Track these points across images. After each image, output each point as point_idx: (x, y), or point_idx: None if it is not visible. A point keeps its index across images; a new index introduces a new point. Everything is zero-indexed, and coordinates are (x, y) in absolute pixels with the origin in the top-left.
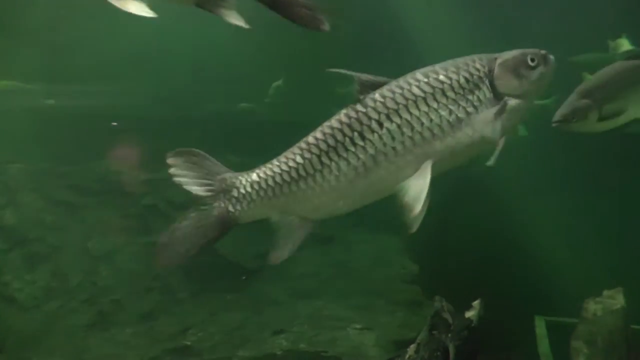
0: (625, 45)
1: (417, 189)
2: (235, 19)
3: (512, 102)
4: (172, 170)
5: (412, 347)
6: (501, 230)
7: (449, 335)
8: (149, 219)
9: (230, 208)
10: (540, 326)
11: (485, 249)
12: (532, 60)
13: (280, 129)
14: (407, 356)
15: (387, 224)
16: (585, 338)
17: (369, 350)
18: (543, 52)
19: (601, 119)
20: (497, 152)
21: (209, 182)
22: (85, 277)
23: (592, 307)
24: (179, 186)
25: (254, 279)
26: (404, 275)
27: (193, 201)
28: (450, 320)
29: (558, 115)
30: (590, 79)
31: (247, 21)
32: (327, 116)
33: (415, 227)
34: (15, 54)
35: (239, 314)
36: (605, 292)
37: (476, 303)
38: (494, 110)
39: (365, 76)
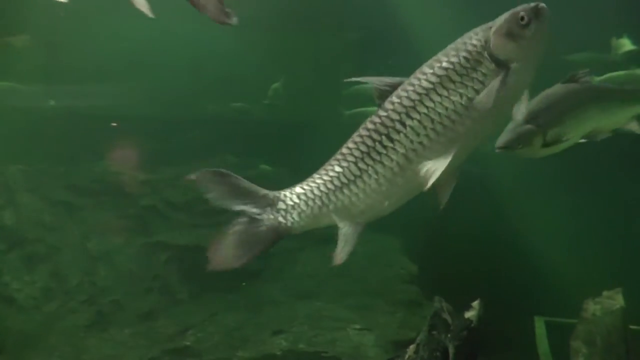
0: (627, 45)
1: (436, 165)
2: (140, 5)
3: (514, 66)
4: (208, 195)
5: (412, 347)
6: (500, 231)
7: (449, 335)
8: (148, 219)
9: (281, 219)
10: (539, 326)
11: (484, 249)
12: (522, 18)
13: (276, 129)
14: (406, 356)
15: (385, 224)
16: (584, 338)
17: (369, 351)
18: (533, 5)
19: (545, 144)
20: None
21: (251, 199)
22: (84, 277)
23: (592, 307)
24: (185, 189)
25: (253, 280)
26: (403, 275)
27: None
28: (449, 320)
29: (502, 141)
30: (533, 103)
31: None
32: (328, 116)
33: (442, 203)
34: (14, 53)
35: (238, 314)
36: (605, 293)
37: (476, 303)
38: (497, 80)
39: (380, 81)
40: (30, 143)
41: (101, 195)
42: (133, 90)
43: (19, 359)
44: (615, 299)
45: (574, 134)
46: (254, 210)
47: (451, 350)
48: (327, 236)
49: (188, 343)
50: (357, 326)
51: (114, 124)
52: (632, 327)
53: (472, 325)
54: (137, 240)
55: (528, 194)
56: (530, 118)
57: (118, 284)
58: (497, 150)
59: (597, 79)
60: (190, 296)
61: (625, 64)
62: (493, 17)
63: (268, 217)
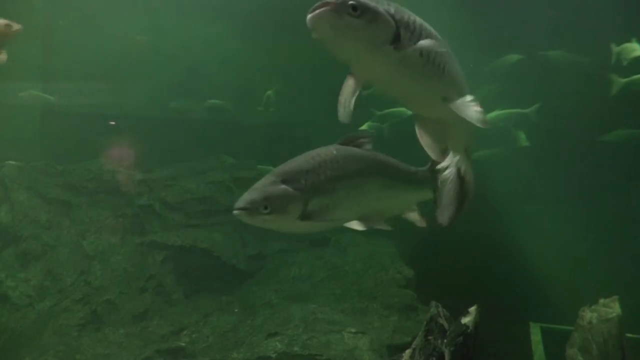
0: (636, 50)
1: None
2: None
3: None
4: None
5: (408, 351)
6: (497, 237)
7: (445, 340)
8: (144, 219)
9: None
10: (535, 332)
11: (480, 255)
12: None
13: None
14: None
15: (380, 228)
16: (580, 345)
17: (363, 355)
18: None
19: (305, 216)
20: None
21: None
22: (79, 276)
23: (588, 315)
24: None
25: (248, 282)
26: (398, 279)
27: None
28: (446, 326)
29: (243, 201)
30: (296, 161)
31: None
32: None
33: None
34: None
35: (233, 316)
36: (601, 301)
37: (472, 309)
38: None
39: None
40: (26, 140)
41: (97, 194)
42: (131, 89)
43: (12, 357)
44: (611, 307)
45: (343, 211)
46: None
47: (447, 356)
48: (321, 239)
49: (182, 344)
50: (352, 329)
51: (112, 122)
52: (628, 335)
53: (469, 331)
54: (132, 239)
55: (525, 200)
56: (288, 177)
57: (113, 283)
58: (234, 212)
59: (622, 80)
60: (185, 296)
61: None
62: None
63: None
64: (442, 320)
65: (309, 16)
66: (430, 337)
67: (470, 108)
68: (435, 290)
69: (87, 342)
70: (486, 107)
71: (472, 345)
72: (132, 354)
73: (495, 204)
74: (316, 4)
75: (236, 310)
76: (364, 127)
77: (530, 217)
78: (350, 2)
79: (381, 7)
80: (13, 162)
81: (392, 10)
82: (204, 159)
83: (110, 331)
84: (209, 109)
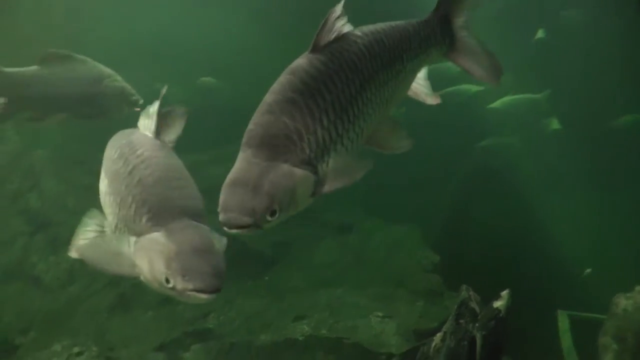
0: None
1: None
2: None
3: None
4: None
5: (439, 335)
6: (523, 223)
7: (476, 325)
8: None
9: None
10: (563, 321)
11: (507, 241)
12: None
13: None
14: (433, 344)
15: (405, 212)
16: (614, 334)
17: (390, 339)
18: None
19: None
20: None
21: None
22: None
23: (623, 302)
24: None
25: (273, 268)
26: (424, 265)
27: None
28: (477, 309)
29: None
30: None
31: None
32: None
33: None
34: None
35: (259, 300)
36: (637, 288)
37: (504, 293)
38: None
39: None
40: (54, 128)
41: None
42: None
43: (46, 337)
44: None
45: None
46: None
47: (479, 340)
48: (345, 225)
49: (210, 326)
50: (379, 314)
51: (137, 109)
52: None
53: (501, 315)
54: None
55: (553, 186)
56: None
57: None
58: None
59: None
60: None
61: None
62: None
63: None
64: (473, 304)
65: (233, 231)
66: (461, 321)
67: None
68: (461, 276)
69: (116, 324)
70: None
71: (504, 330)
72: (160, 336)
73: (521, 189)
74: (232, 221)
75: (263, 294)
76: None
77: (557, 203)
78: (267, 211)
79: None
80: (42, 149)
81: (307, 152)
82: (229, 145)
83: (139, 313)
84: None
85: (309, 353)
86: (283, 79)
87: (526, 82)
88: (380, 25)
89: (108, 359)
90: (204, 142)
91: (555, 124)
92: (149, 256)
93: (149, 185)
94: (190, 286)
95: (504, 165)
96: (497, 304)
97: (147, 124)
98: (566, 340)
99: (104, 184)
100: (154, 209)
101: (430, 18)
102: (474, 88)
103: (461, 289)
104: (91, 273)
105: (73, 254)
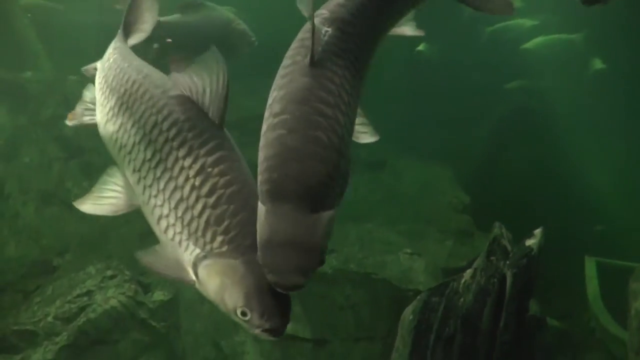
0: None
1: None
2: None
3: None
4: None
5: (469, 271)
6: (555, 167)
7: (507, 262)
8: None
9: None
10: (590, 267)
11: (539, 185)
12: None
13: None
14: (462, 280)
15: (438, 152)
16: None
17: (418, 276)
18: None
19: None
20: None
21: None
22: None
23: None
24: None
25: None
26: (455, 204)
27: None
28: (509, 247)
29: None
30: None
31: None
32: None
33: None
34: None
35: None
36: None
37: (538, 232)
38: None
39: None
40: (89, 56)
41: None
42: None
43: (81, 260)
44: None
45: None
46: None
47: (509, 278)
48: (376, 162)
49: None
50: (408, 251)
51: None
52: None
53: (533, 253)
54: None
55: (587, 130)
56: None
57: None
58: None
59: None
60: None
61: None
62: None
63: None
64: (505, 242)
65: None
66: (492, 258)
67: None
68: (490, 218)
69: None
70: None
71: (536, 269)
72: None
73: (554, 133)
74: (287, 283)
75: None
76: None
77: (591, 147)
78: (320, 265)
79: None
80: (74, 77)
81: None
82: (262, 77)
83: None
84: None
85: (337, 287)
86: (292, 114)
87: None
88: None
89: (139, 283)
90: (235, 73)
91: (598, 64)
92: (223, 282)
93: (229, 202)
94: (267, 326)
95: (539, 106)
96: (530, 242)
97: None
98: (592, 286)
99: (125, 132)
100: (233, 232)
101: None
102: (528, 22)
103: (494, 226)
104: None
105: (85, 208)
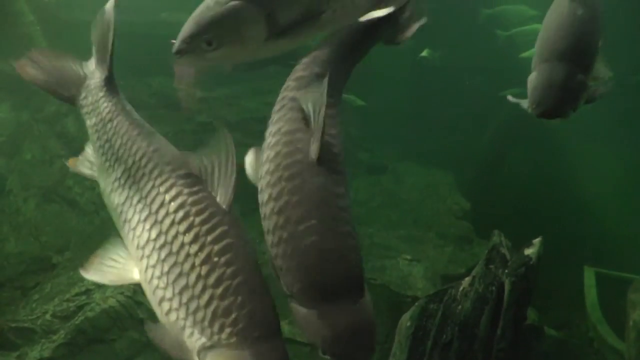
0: None
1: None
2: None
3: None
4: None
5: (467, 279)
6: (556, 175)
7: (506, 270)
8: (203, 136)
9: None
10: (589, 277)
11: (540, 192)
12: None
13: None
14: (461, 288)
15: (439, 157)
16: None
17: (417, 282)
18: None
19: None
20: None
21: None
22: None
23: None
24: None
25: None
26: (455, 210)
27: None
28: (508, 255)
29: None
30: None
31: None
32: None
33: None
34: None
35: None
36: None
37: (537, 241)
38: None
39: None
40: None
41: (157, 109)
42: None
43: (81, 257)
44: None
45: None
46: None
47: (507, 286)
48: (380, 166)
49: None
50: (407, 256)
51: (173, 41)
52: None
53: (531, 262)
54: None
55: (587, 137)
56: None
57: None
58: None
59: None
60: (242, 214)
61: None
62: None
63: None
64: (504, 250)
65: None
66: (491, 266)
67: None
68: (490, 225)
69: None
70: None
71: (534, 278)
72: None
73: (555, 140)
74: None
75: None
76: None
77: (592, 155)
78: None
79: None
80: None
81: None
82: (265, 80)
83: None
84: None
85: None
86: (318, 219)
87: None
88: None
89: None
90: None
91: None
92: None
93: (237, 294)
94: None
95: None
96: (529, 251)
97: None
98: (591, 295)
99: (130, 206)
100: (241, 324)
101: None
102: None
103: (493, 233)
104: None
105: (89, 276)
